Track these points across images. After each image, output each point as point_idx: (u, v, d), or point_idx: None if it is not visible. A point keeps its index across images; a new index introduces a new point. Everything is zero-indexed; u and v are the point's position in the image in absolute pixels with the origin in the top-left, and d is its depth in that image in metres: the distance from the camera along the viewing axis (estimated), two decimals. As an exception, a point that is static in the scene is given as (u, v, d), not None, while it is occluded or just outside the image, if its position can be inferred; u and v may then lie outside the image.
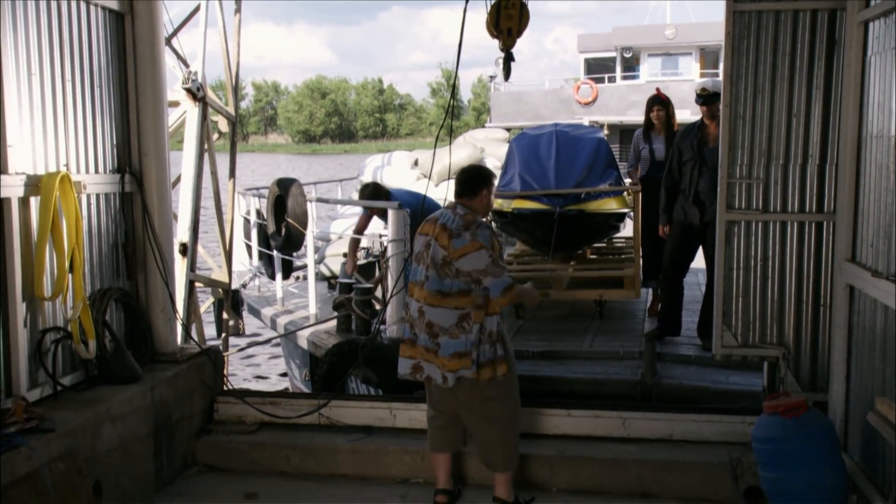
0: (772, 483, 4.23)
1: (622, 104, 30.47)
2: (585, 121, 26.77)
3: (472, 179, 4.48)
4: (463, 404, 4.39)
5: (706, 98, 6.28)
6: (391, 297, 6.06)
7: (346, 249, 8.81)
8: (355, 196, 12.02)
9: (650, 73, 32.47)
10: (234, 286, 8.15)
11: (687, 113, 29.44)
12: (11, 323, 4.12)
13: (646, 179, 7.44)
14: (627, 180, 8.63)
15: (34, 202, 4.24)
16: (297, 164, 69.75)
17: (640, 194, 7.19)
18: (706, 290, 6.26)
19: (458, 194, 4.45)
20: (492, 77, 33.97)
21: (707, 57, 31.71)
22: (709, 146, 6.23)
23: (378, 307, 6.86)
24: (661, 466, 4.70)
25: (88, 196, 4.75)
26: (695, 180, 6.27)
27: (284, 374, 11.02)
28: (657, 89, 7.84)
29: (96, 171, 4.86)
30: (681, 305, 6.72)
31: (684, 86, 30.21)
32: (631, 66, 33.49)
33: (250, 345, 9.96)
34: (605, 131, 30.20)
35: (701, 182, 6.22)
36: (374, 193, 7.37)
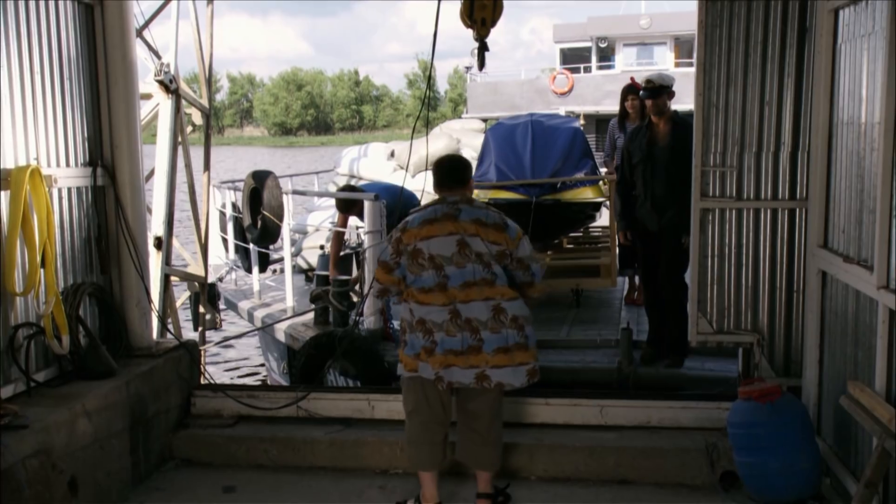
0: (747, 467, 4.28)
1: (598, 94, 30.52)
2: (561, 111, 26.81)
3: (462, 169, 4.35)
4: (477, 405, 4.28)
5: (652, 91, 5.79)
6: (370, 288, 6.05)
7: (322, 241, 8.79)
8: (332, 189, 12.00)
9: (626, 63, 32.56)
10: (211, 280, 8.10)
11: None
12: (-18, 319, 4.07)
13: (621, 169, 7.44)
14: (603, 170, 8.67)
15: (3, 196, 4.18)
16: (273, 156, 69.33)
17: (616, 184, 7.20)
18: (666, 303, 5.84)
19: (449, 186, 4.25)
20: (468, 68, 33.92)
21: (682, 46, 31.86)
22: (658, 145, 5.83)
23: (356, 299, 6.85)
24: (638, 453, 4.74)
25: (60, 190, 4.69)
26: (649, 184, 5.84)
27: (262, 366, 10.98)
28: (632, 78, 7.78)
29: (67, 165, 4.80)
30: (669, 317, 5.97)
31: (659, 76, 30.39)
32: (606, 55, 33.58)
33: (227, 339, 9.90)
34: (581, 121, 30.28)
35: (655, 185, 5.81)
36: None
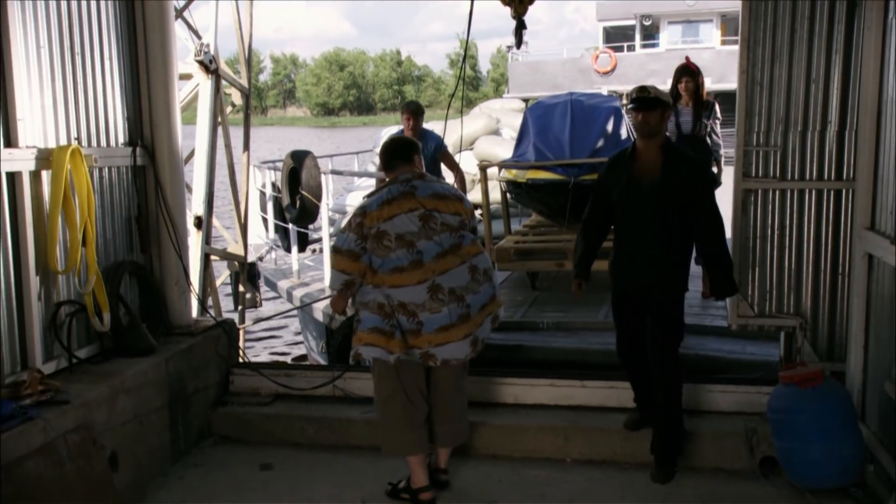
0: (787, 453, 4.21)
1: (641, 73, 30.09)
2: (604, 90, 26.53)
3: (405, 146, 4.36)
4: (451, 377, 4.30)
5: (644, 103, 4.32)
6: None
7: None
8: (371, 168, 12.01)
9: (670, 41, 32.08)
10: (251, 259, 8.17)
11: (707, 81, 29.16)
12: (26, 296, 4.15)
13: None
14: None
15: (45, 176, 4.25)
16: (315, 136, 69.72)
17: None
18: (651, 366, 4.46)
19: (395, 165, 4.25)
20: (509, 47, 33.74)
21: (728, 24, 31.24)
22: (644, 182, 4.32)
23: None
24: (675, 437, 4.67)
25: (100, 169, 4.75)
26: (628, 233, 4.43)
27: (301, 345, 11.08)
28: (686, 58, 7.40)
29: (108, 145, 4.85)
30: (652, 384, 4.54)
31: (705, 53, 29.84)
32: (651, 34, 33.10)
33: (267, 317, 10.00)
34: (624, 101, 29.99)
35: (637, 235, 4.38)
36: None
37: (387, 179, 4.29)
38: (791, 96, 4.64)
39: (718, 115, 7.07)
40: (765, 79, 4.67)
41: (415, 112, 7.58)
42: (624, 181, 4.38)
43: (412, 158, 4.27)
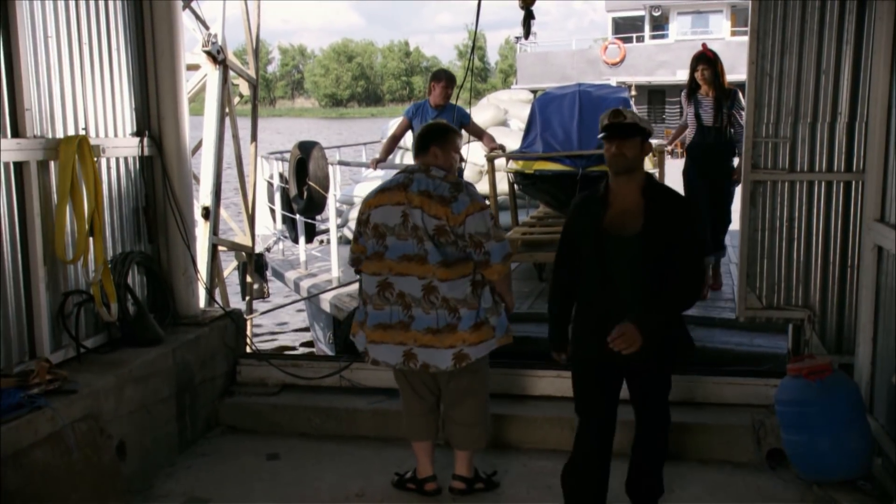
0: (795, 446, 4.19)
1: (650, 64, 30.06)
2: (613, 81, 26.41)
3: (427, 135, 4.12)
4: (452, 381, 4.16)
5: (618, 130, 3.45)
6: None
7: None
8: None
9: (679, 32, 31.95)
10: (258, 250, 8.18)
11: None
12: (33, 285, 4.16)
13: (690, 146, 6.95)
14: (655, 141, 8.48)
15: (53, 166, 4.26)
16: (324, 127, 69.73)
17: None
18: (636, 440, 3.94)
19: (415, 154, 4.12)
20: (518, 38, 33.61)
21: (739, 14, 31.06)
22: (621, 232, 3.47)
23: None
24: (682, 428, 4.65)
25: (108, 160, 4.75)
26: (601, 293, 3.53)
27: (307, 334, 11.10)
28: (703, 45, 6.96)
29: (115, 135, 4.86)
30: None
31: (715, 44, 29.59)
32: (660, 24, 32.96)
33: (273, 308, 10.02)
34: (633, 92, 29.83)
35: (610, 295, 3.49)
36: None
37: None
38: (801, 87, 4.61)
39: (743, 104, 6.48)
40: (774, 70, 4.64)
41: (451, 80, 7.04)
42: (592, 233, 3.47)
43: (427, 148, 4.07)
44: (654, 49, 31.07)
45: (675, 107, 31.65)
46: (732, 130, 6.68)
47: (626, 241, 3.44)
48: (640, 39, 32.42)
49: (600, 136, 3.49)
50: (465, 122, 6.98)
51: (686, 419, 4.70)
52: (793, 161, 4.67)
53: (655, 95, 31.98)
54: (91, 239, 4.42)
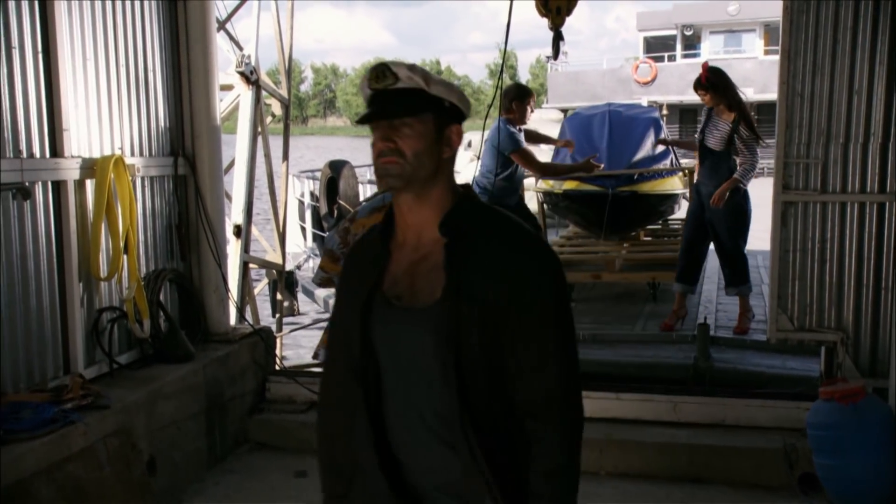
0: (827, 471, 4.12)
1: (682, 83, 29.86)
2: (644, 101, 26.35)
3: None
4: None
5: (381, 103, 1.77)
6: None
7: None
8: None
9: (712, 51, 31.81)
10: (289, 267, 8.25)
11: (750, 91, 28.76)
12: (69, 302, 4.24)
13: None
14: (685, 160, 8.46)
15: (90, 185, 4.34)
16: (355, 146, 70.20)
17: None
18: None
19: None
20: (549, 57, 33.65)
21: (772, 33, 30.84)
22: (411, 306, 1.81)
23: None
24: (712, 451, 4.62)
25: (142, 179, 4.84)
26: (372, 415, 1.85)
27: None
28: (704, 65, 6.22)
29: (150, 154, 4.95)
30: None
31: (748, 63, 29.56)
32: (692, 43, 32.86)
33: (304, 325, 10.08)
34: (665, 111, 29.72)
35: (391, 418, 1.85)
36: None
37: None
38: (833, 108, 4.57)
39: (750, 124, 6.02)
40: (806, 90, 4.61)
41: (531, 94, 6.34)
42: (361, 303, 1.85)
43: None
44: (685, 68, 30.92)
45: (708, 126, 31.48)
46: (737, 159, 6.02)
47: (410, 314, 1.81)
48: (672, 58, 32.33)
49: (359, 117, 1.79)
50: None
51: (716, 442, 4.65)
52: (825, 182, 4.63)
53: (687, 115, 31.84)
54: (125, 256, 4.49)
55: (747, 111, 6.03)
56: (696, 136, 6.43)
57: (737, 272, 6.26)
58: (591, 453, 4.72)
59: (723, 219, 6.04)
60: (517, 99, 6.12)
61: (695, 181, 6.34)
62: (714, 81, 5.94)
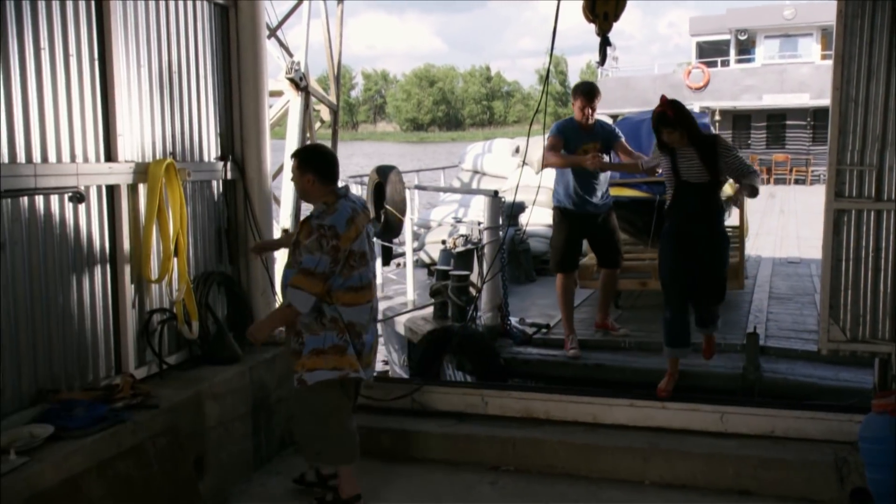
0: (880, 485, 4.02)
1: (736, 89, 29.44)
2: (696, 107, 25.95)
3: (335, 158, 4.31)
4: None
5: None
6: (483, 284, 6.07)
7: (444, 237, 8.87)
8: (457, 184, 12.09)
9: (767, 56, 31.22)
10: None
11: (805, 97, 28.14)
12: (121, 304, 4.34)
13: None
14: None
15: (142, 189, 4.44)
16: (404, 151, 70.59)
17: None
18: None
19: (336, 177, 4.19)
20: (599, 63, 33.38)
21: (829, 38, 30.12)
22: None
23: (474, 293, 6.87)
24: (760, 463, 4.54)
25: (192, 183, 4.93)
26: None
27: (383, 358, 11.20)
28: (662, 98, 5.20)
29: (200, 160, 5.04)
30: None
31: (804, 69, 28.97)
32: (746, 48, 32.27)
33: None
34: (717, 117, 29.26)
35: None
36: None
37: (331, 190, 4.07)
38: (888, 114, 4.46)
39: (729, 149, 5.18)
40: (860, 96, 4.51)
41: (587, 94, 6.02)
42: None
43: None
44: (739, 73, 30.42)
45: (762, 132, 30.94)
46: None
47: None
48: (726, 63, 31.82)
49: None
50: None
51: (764, 453, 4.57)
52: (879, 189, 4.52)
53: (740, 120, 31.32)
54: (175, 259, 4.58)
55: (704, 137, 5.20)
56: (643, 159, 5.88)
57: (717, 306, 5.48)
58: (636, 462, 4.68)
59: (718, 248, 5.25)
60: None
61: (673, 222, 5.27)
62: (680, 117, 5.05)
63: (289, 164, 6.79)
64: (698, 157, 5.06)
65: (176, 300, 4.64)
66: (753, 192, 5.06)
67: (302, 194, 4.27)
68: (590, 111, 6.02)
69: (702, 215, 5.18)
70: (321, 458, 4.36)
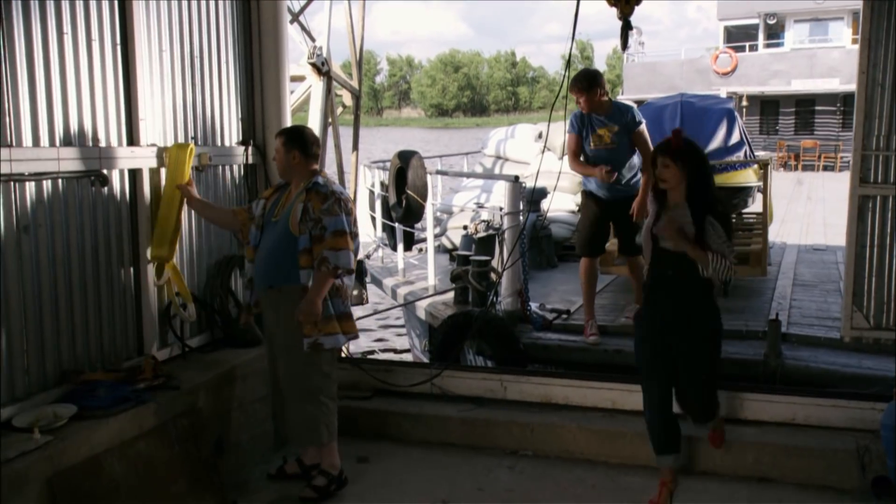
0: (901, 474, 3.98)
1: (764, 73, 29.07)
2: (723, 92, 25.68)
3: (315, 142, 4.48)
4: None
5: None
6: (503, 269, 6.06)
7: (466, 222, 8.87)
8: (479, 169, 12.08)
9: (796, 40, 30.78)
10: (359, 257, 8.34)
11: (835, 82, 27.67)
12: (143, 286, 4.39)
13: None
14: (760, 153, 8.23)
15: (164, 172, 4.48)
16: (429, 137, 70.55)
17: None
18: None
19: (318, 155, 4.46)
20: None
21: (860, 22, 29.65)
22: None
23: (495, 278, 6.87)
24: (780, 450, 4.51)
25: (214, 167, 4.97)
26: None
27: (404, 343, 11.26)
28: (674, 132, 4.08)
29: (221, 144, 5.07)
30: None
31: (834, 53, 28.54)
32: (775, 33, 31.83)
33: (371, 314, 10.19)
34: (745, 102, 28.92)
35: None
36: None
37: (314, 169, 4.33)
38: (916, 98, 4.40)
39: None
40: (887, 80, 4.44)
41: (576, 85, 5.85)
42: None
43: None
44: (767, 58, 30.01)
45: (790, 118, 30.53)
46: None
47: None
48: (754, 48, 31.41)
49: None
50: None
51: (784, 441, 4.54)
52: (905, 175, 4.46)
53: (769, 106, 30.91)
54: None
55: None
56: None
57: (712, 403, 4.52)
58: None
59: (699, 341, 4.25)
60: None
61: (644, 307, 4.42)
62: (685, 152, 4.03)
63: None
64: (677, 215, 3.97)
65: (158, 285, 4.47)
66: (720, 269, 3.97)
67: (285, 171, 4.39)
68: (583, 101, 5.77)
69: (678, 303, 4.13)
70: (322, 435, 4.38)
